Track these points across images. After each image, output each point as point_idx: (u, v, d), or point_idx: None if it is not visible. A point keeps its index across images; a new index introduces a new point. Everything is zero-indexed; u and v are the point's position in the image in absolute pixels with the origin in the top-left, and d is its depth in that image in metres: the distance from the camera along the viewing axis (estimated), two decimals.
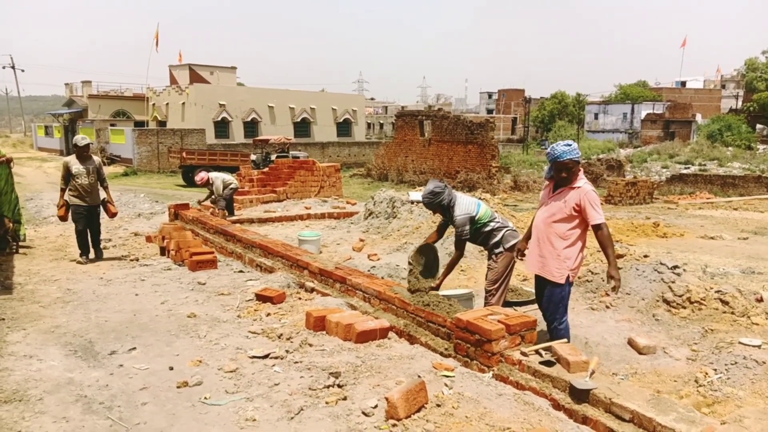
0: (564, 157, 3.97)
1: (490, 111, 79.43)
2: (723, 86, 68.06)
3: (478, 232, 4.75)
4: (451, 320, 4.28)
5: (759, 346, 4.10)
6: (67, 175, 7.36)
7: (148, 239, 8.95)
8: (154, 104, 40.19)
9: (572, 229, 4.01)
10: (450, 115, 27.46)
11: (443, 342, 4.41)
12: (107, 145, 33.91)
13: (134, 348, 4.10)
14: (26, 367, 3.74)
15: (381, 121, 74.05)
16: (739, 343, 4.17)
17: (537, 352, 3.89)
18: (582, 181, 4.05)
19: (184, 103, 37.43)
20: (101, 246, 7.74)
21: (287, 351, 3.95)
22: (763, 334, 4.43)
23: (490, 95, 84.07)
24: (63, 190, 7.41)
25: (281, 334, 4.26)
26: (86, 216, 7.40)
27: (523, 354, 3.86)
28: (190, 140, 32.93)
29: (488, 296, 4.79)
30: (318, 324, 4.32)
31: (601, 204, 14.91)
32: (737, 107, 55.48)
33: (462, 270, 6.64)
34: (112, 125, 35.95)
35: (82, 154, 7.45)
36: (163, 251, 7.76)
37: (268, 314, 4.81)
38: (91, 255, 7.46)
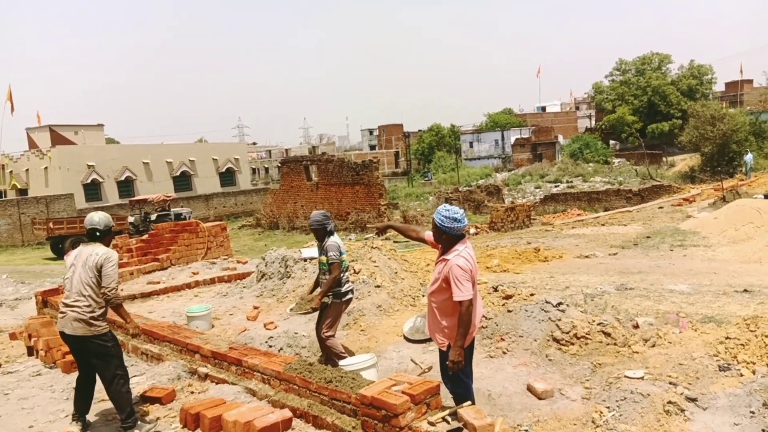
0: (436, 218, 4.07)
1: (372, 147, 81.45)
2: (577, 108, 75.13)
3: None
4: (356, 396, 4.17)
5: (642, 378, 4.40)
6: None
7: (12, 336, 7.98)
8: (11, 171, 36.78)
9: (446, 300, 4.01)
10: (334, 158, 27.76)
11: (350, 420, 4.26)
12: None
13: None
14: None
15: (266, 166, 73.15)
16: (625, 376, 4.45)
17: (444, 419, 3.88)
18: (453, 253, 3.97)
19: (46, 168, 34.64)
20: None
21: None
22: (643, 362, 4.77)
23: (371, 131, 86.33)
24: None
25: None
26: None
27: (431, 424, 3.83)
28: (56, 207, 30.41)
29: (327, 340, 5.57)
30: (214, 425, 4.02)
31: (486, 232, 15.41)
32: (592, 126, 61.42)
33: (362, 329, 6.57)
34: None
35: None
36: (31, 351, 6.94)
37: (158, 418, 4.40)
38: None
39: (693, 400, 4.04)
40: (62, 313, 4.37)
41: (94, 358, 4.38)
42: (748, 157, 26.26)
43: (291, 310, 5.89)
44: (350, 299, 5.80)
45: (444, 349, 4.14)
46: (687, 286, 9.14)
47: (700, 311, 7.27)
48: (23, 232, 29.18)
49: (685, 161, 39.54)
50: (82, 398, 4.49)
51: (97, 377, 4.49)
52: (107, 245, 4.58)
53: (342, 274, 5.61)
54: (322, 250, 5.63)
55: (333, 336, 5.63)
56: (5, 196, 34.25)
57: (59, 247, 24.46)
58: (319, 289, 5.89)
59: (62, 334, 4.44)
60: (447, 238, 4.03)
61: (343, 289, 5.66)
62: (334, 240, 5.62)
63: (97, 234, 4.47)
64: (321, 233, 5.65)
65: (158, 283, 11.30)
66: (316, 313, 5.74)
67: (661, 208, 20.76)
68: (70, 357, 6.00)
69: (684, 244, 12.94)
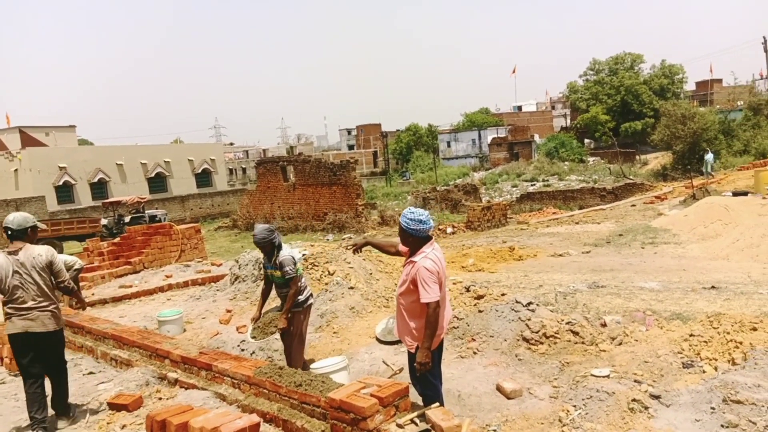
0: (402, 221, 4.10)
1: (351, 147, 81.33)
2: (553, 107, 75.96)
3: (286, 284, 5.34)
4: (325, 400, 4.15)
5: (608, 376, 4.46)
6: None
7: None
8: None
9: (414, 302, 4.01)
10: (311, 158, 27.65)
11: (320, 423, 4.25)
12: None
13: None
14: None
15: (243, 166, 72.57)
16: (591, 375, 4.51)
17: (412, 421, 3.88)
18: (420, 255, 3.99)
19: (16, 170, 33.87)
20: None
21: None
22: (610, 360, 4.83)
23: (349, 131, 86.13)
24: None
25: None
26: None
27: (399, 426, 3.83)
28: (27, 210, 29.70)
29: (297, 353, 5.41)
30: None
31: (463, 231, 15.50)
32: (567, 125, 62.13)
33: (335, 332, 6.55)
34: None
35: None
36: None
37: (124, 426, 4.33)
38: None
39: (657, 397, 4.11)
40: (23, 314, 4.52)
41: (59, 348, 4.81)
42: (709, 157, 26.78)
43: (253, 337, 5.45)
44: (311, 304, 5.63)
45: (412, 351, 4.15)
46: (657, 283, 9.29)
47: (668, 308, 7.40)
48: None
49: (657, 159, 40.25)
50: (42, 402, 4.56)
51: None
52: (33, 242, 4.71)
53: (299, 283, 5.41)
54: (274, 265, 5.36)
55: (302, 351, 5.50)
56: None
57: None
58: (269, 305, 5.70)
59: (26, 335, 4.54)
60: (414, 241, 4.05)
61: (303, 298, 5.48)
62: (287, 253, 5.37)
63: (9, 233, 4.60)
64: (269, 248, 5.37)
65: (130, 286, 11.13)
66: None
67: (633, 206, 21.09)
68: None
69: (655, 242, 13.16)
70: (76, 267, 10.02)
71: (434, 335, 3.95)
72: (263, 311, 5.55)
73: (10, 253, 4.54)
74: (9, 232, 4.60)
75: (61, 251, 20.21)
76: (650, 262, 11.18)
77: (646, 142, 46.33)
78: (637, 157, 44.84)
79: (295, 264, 5.33)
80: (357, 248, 4.94)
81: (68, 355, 6.54)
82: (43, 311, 4.55)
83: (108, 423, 4.44)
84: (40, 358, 4.64)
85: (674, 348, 4.77)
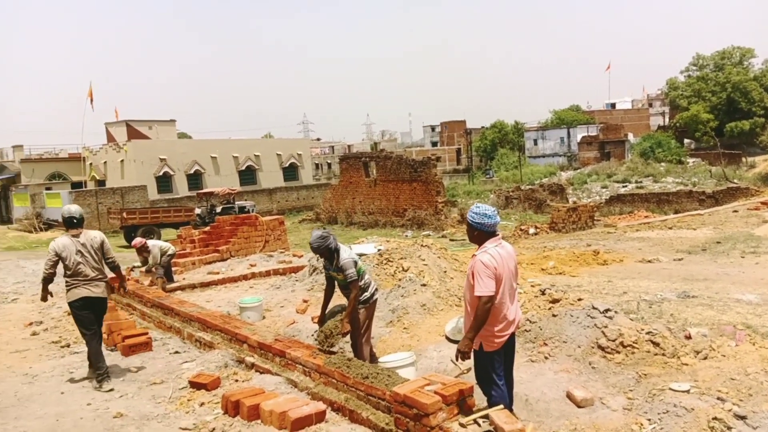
0: (468, 215, 4.15)
1: (434, 143, 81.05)
2: (650, 105, 71.81)
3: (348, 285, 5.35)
4: (390, 393, 4.21)
5: (688, 391, 4.20)
6: None
7: None
8: (91, 164, 39.15)
9: (476, 297, 3.98)
10: (393, 155, 27.86)
11: (384, 416, 4.32)
12: (43, 210, 32.63)
13: None
14: None
15: (329, 161, 74.31)
16: (670, 389, 4.26)
17: (475, 421, 3.86)
18: (481, 250, 4.02)
19: (122, 161, 36.65)
20: None
21: None
22: (692, 374, 4.55)
23: (433, 128, 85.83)
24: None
25: (214, 429, 4.07)
26: None
27: (462, 425, 3.82)
28: (131, 198, 32.12)
29: (361, 347, 5.49)
30: (252, 413, 4.17)
31: (546, 232, 15.07)
32: (665, 124, 58.60)
33: (405, 327, 6.60)
34: (47, 189, 34.64)
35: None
36: None
37: (202, 404, 4.61)
38: None
39: (742, 417, 3.82)
40: (88, 283, 5.53)
41: (104, 311, 5.84)
42: None
43: (320, 346, 5.34)
44: (376, 299, 5.63)
45: (476, 348, 4.11)
46: (756, 296, 8.61)
47: (766, 323, 6.85)
48: (100, 220, 30.96)
49: (767, 162, 37.08)
50: (102, 355, 5.63)
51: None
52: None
53: (361, 281, 5.36)
54: (336, 268, 5.36)
55: (368, 342, 5.59)
56: (85, 187, 36.49)
57: (132, 235, 25.83)
58: (334, 303, 5.69)
59: (88, 299, 5.54)
60: (478, 235, 4.06)
61: (368, 295, 5.49)
62: (346, 255, 5.32)
63: (75, 221, 5.54)
64: (327, 254, 5.35)
65: (217, 273, 11.76)
66: None
67: (735, 211, 19.59)
68: (129, 341, 6.39)
69: (757, 251, 12.18)
70: (169, 252, 10.75)
71: (480, 328, 3.93)
72: (328, 309, 5.56)
73: (73, 236, 5.50)
74: (74, 221, 5.55)
75: (159, 237, 21.67)
76: (750, 273, 10.37)
77: (754, 143, 42.86)
78: (744, 159, 41.52)
79: (356, 266, 5.32)
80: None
81: (158, 334, 7.06)
82: (101, 281, 5.63)
83: (188, 400, 4.74)
84: (96, 318, 5.69)
85: (766, 366, 4.41)
